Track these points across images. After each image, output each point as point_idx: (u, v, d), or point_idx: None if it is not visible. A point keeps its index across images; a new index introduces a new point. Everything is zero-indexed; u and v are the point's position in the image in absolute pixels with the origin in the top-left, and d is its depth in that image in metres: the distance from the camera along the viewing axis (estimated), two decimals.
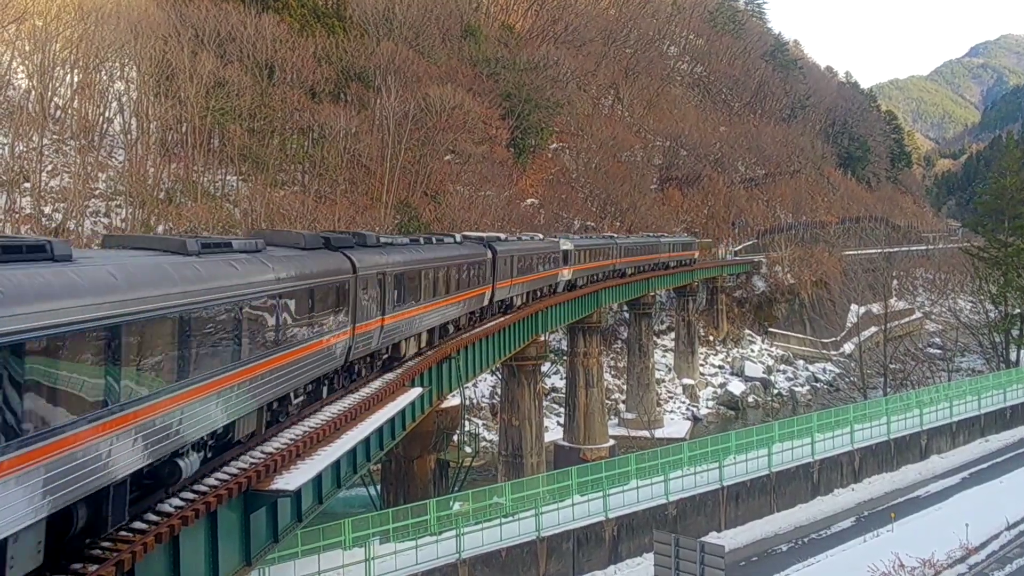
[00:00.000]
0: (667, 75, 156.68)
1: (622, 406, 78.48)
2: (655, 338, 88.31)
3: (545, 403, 64.43)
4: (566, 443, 62.90)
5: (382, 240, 26.35)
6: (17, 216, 50.53)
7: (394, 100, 71.38)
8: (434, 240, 32.07)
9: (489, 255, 37.42)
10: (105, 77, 63.51)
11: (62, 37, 59.06)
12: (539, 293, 49.29)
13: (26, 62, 59.09)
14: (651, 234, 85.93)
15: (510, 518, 34.08)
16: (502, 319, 41.03)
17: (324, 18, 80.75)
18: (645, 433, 69.67)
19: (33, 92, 58.22)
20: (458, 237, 35.49)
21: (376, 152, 71.14)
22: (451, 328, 34.02)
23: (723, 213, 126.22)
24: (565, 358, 70.88)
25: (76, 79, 61.42)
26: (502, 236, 42.54)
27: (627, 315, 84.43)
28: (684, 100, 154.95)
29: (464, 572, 31.25)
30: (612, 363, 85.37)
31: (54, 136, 58.73)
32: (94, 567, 11.60)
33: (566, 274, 53.52)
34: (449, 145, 79.37)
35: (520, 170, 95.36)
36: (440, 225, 67.45)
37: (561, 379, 74.69)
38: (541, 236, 53.81)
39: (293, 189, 66.42)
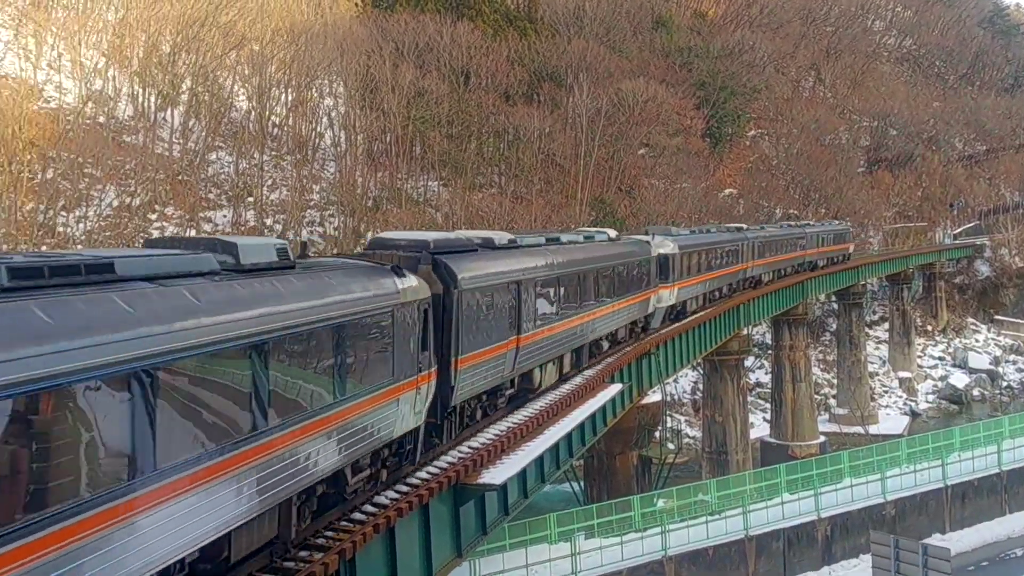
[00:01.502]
0: (873, 51, 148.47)
1: (832, 401, 75.17)
2: (867, 329, 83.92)
3: (749, 399, 62.77)
4: (773, 440, 60.97)
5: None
6: (243, 228, 54.68)
7: (586, 97, 71.73)
8: (146, 258, 10.13)
9: (416, 297, 15.37)
10: (316, 94, 67.66)
11: (276, 59, 63.45)
12: (601, 346, 28.40)
13: (246, 85, 63.85)
14: (791, 223, 69.44)
15: (716, 516, 33.50)
16: (701, 314, 39.95)
17: (516, 21, 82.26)
18: (858, 429, 66.35)
19: (252, 112, 62.82)
20: (271, 246, 12.71)
21: (570, 150, 71.71)
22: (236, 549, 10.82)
23: (939, 194, 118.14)
24: (770, 352, 68.71)
25: (290, 98, 65.70)
26: (496, 237, 21.32)
27: (835, 306, 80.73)
28: (892, 76, 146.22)
29: (670, 569, 31.01)
30: (820, 356, 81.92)
31: (272, 152, 63.08)
32: (319, 555, 12.42)
33: (666, 296, 33.43)
34: (643, 139, 78.86)
35: (717, 160, 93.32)
36: (636, 220, 67.00)
37: (766, 374, 72.46)
38: (613, 234, 31.82)
39: (491, 191, 68.08)
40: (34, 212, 47.25)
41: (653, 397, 35.22)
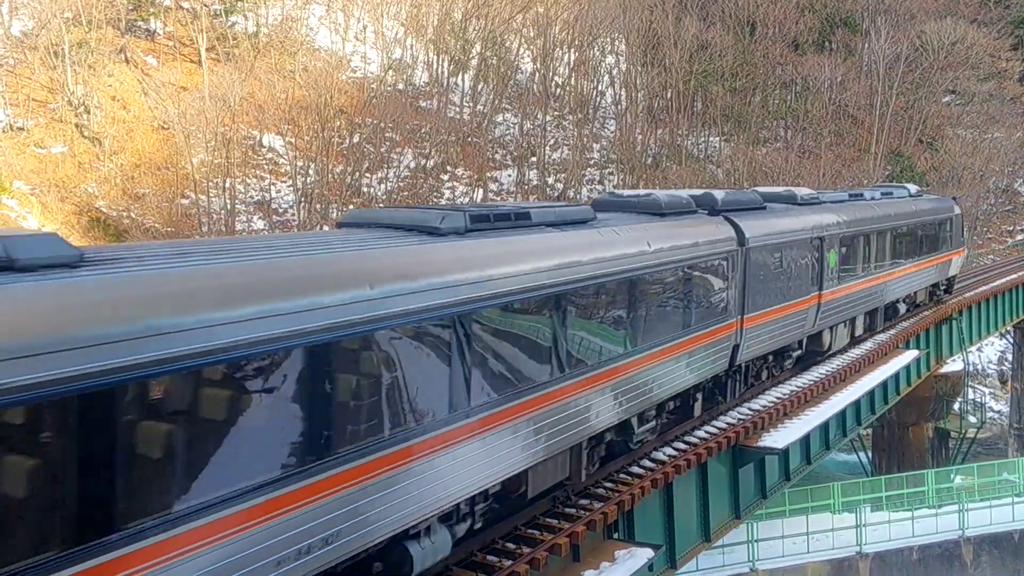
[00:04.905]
0: None
1: None
2: None
3: None
4: None
5: None
6: (526, 187, 56.59)
7: (884, 42, 67.11)
8: None
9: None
10: (597, 53, 68.15)
11: (560, 20, 64.54)
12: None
13: (531, 47, 65.57)
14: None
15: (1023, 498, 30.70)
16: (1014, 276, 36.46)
17: None
18: None
19: (536, 74, 64.47)
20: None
21: (864, 100, 67.63)
22: None
23: None
24: None
25: (572, 58, 66.71)
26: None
27: None
28: None
29: (968, 551, 28.88)
30: None
31: (555, 113, 64.50)
32: (599, 504, 12.81)
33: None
34: (948, 85, 72.56)
35: None
36: (937, 175, 61.93)
37: None
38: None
39: (775, 146, 65.72)
40: (343, 174, 51.68)
41: (953, 366, 32.67)
